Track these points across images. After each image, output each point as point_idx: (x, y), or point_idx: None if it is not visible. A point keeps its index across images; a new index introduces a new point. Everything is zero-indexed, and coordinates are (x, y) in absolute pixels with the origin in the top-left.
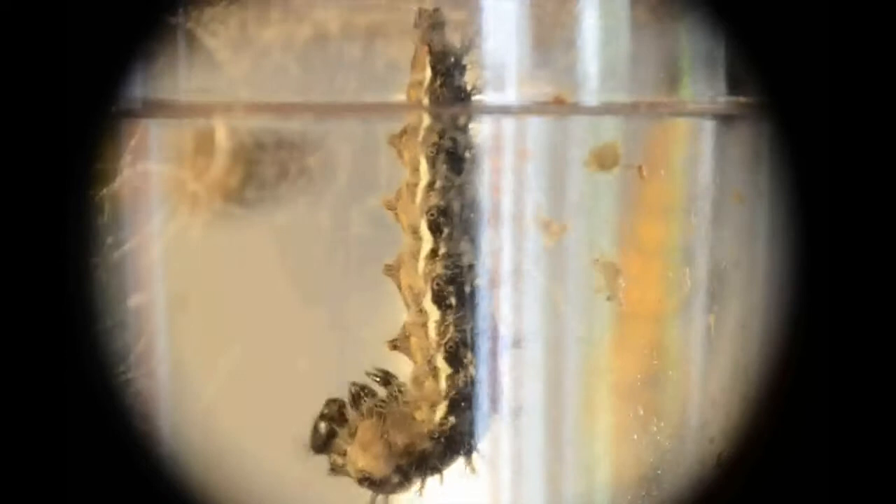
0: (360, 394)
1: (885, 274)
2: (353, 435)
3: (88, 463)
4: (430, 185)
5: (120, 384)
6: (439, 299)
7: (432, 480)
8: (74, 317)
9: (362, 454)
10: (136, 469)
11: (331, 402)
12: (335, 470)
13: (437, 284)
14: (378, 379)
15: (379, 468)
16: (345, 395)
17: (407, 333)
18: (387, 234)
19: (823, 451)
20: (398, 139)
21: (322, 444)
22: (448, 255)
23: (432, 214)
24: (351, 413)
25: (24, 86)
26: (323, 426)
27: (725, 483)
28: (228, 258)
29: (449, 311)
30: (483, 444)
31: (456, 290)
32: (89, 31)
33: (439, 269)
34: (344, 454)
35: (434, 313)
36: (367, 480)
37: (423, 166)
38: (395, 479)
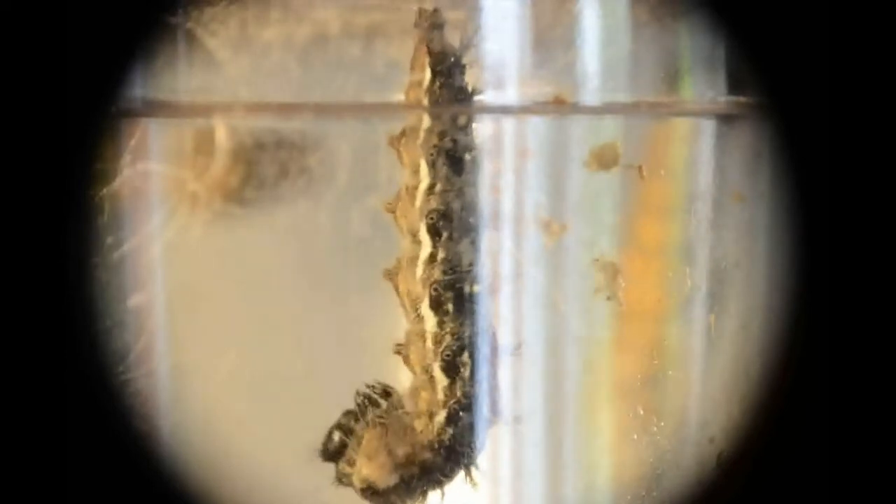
0: (365, 404)
1: (885, 274)
2: (359, 444)
3: (88, 463)
4: (430, 188)
5: (120, 384)
6: (437, 305)
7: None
8: (74, 317)
9: (367, 463)
10: (136, 469)
11: (348, 412)
12: (341, 479)
13: (435, 290)
14: (377, 392)
15: (382, 478)
16: (345, 394)
17: (408, 342)
18: (387, 234)
19: (823, 451)
20: (398, 141)
21: (333, 452)
22: (447, 260)
23: (431, 218)
24: (359, 423)
25: (24, 86)
26: (337, 435)
27: (725, 483)
28: (228, 258)
29: (446, 318)
30: (483, 447)
31: (454, 296)
32: (89, 31)
33: (437, 274)
34: (353, 463)
35: (431, 320)
36: (369, 490)
37: (423, 169)
38: (398, 490)
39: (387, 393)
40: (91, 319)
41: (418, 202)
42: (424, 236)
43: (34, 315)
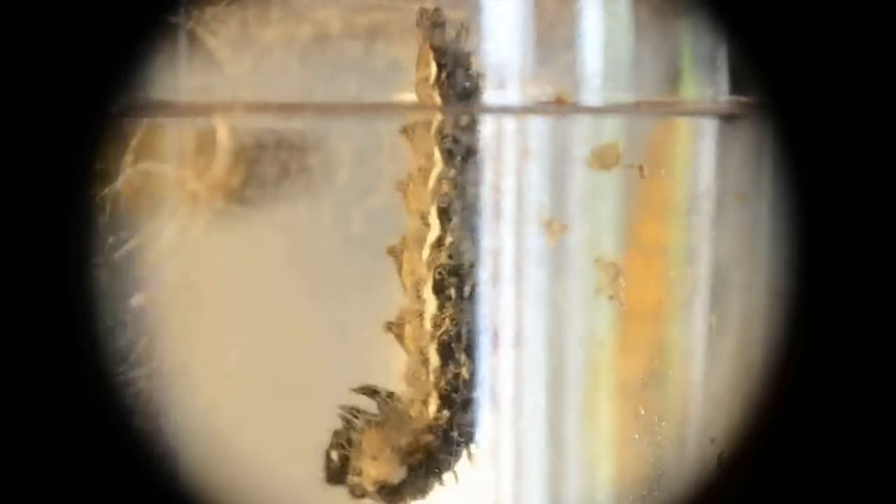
0: (351, 415)
1: (885, 274)
2: (360, 450)
3: (88, 463)
4: (444, 174)
5: (120, 384)
6: (440, 289)
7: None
8: (74, 317)
9: (373, 464)
10: (136, 469)
11: (337, 432)
12: (354, 492)
13: (440, 273)
14: (364, 394)
15: (392, 473)
16: (346, 393)
17: (402, 321)
18: (388, 233)
19: (823, 451)
20: (411, 129)
21: (338, 472)
22: (454, 245)
23: (444, 202)
24: (352, 433)
25: (24, 86)
26: (335, 455)
27: (726, 483)
28: (229, 258)
29: (448, 303)
30: (484, 443)
31: (457, 282)
32: (89, 31)
33: (444, 258)
34: (360, 473)
35: (432, 303)
36: (385, 489)
37: (437, 154)
38: (411, 481)
39: (374, 391)
40: (91, 319)
41: (431, 185)
42: (434, 219)
43: (34, 315)
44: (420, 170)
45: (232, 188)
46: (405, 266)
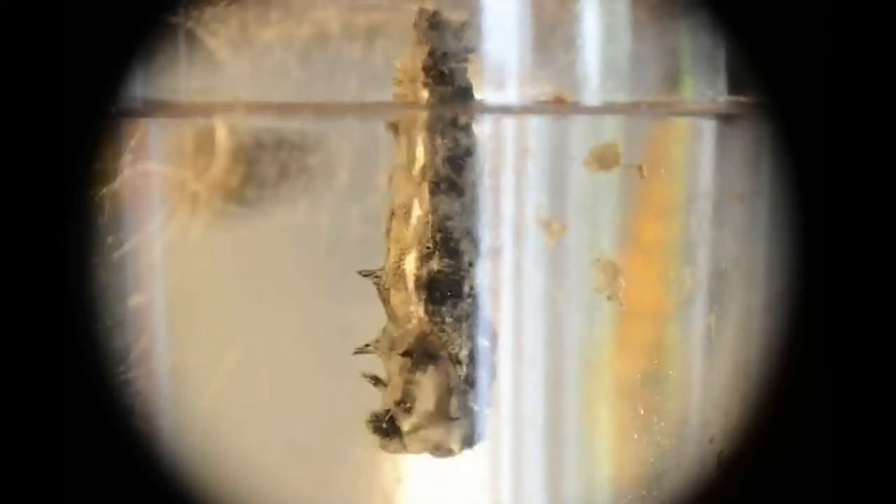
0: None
1: (884, 274)
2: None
3: (88, 463)
4: (427, 168)
5: (120, 384)
6: (432, 299)
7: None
8: (74, 317)
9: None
10: (136, 469)
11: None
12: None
13: (433, 284)
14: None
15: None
16: (346, 394)
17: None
18: None
19: (823, 451)
20: (398, 126)
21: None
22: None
23: (434, 182)
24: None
25: (24, 86)
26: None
27: (725, 483)
28: (228, 258)
29: (441, 311)
30: (483, 444)
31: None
32: (89, 31)
33: (437, 264)
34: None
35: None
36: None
37: (421, 147)
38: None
39: (376, 381)
40: (91, 319)
41: (415, 171)
42: (425, 196)
43: (34, 315)
44: (404, 167)
45: (231, 188)
46: (393, 230)
